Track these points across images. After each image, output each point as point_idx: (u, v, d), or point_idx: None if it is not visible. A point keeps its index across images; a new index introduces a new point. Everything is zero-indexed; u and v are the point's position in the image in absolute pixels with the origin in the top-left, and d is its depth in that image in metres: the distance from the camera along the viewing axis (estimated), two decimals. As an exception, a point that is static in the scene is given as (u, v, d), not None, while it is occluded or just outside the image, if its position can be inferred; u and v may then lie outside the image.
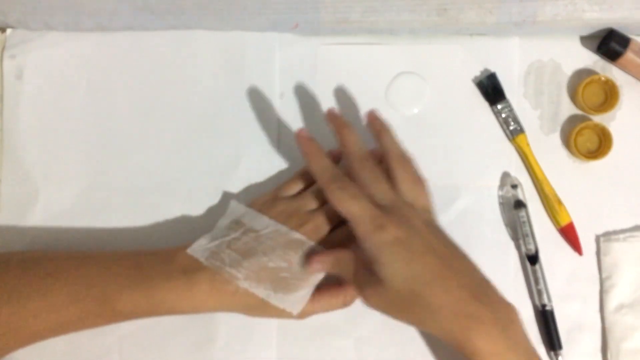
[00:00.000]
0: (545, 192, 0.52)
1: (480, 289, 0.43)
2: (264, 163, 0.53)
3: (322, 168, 0.46)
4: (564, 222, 0.51)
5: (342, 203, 0.44)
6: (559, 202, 0.52)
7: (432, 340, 0.51)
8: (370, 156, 0.46)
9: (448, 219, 0.52)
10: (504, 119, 0.53)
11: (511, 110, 0.53)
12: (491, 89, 0.53)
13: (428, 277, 0.41)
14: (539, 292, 0.51)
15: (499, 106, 0.53)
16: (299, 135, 0.48)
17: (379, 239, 0.42)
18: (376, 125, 0.49)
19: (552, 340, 0.50)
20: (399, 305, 0.43)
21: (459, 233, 0.52)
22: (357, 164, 0.46)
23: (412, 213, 0.44)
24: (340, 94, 0.54)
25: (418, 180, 0.47)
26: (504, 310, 0.43)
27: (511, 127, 0.52)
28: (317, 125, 0.53)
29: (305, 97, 0.54)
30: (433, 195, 0.52)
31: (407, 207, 0.45)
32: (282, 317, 0.47)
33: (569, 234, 0.52)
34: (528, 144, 0.52)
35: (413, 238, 0.42)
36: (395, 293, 0.42)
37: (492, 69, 0.53)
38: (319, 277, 0.47)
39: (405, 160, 0.47)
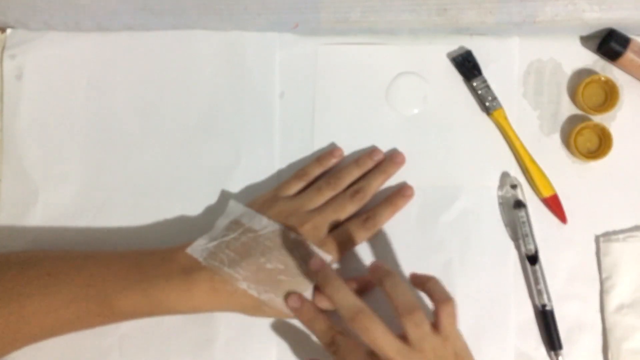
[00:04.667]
0: (526, 164, 0.52)
1: None
2: (264, 163, 0.53)
3: (347, 302, 0.43)
4: (547, 194, 0.52)
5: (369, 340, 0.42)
6: (542, 174, 0.52)
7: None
8: (421, 315, 0.43)
9: (448, 219, 0.52)
10: (480, 94, 0.53)
11: (487, 86, 0.53)
12: (467, 65, 0.53)
13: None
14: (539, 292, 0.51)
15: (475, 82, 0.53)
16: (313, 265, 0.46)
17: None
18: (378, 274, 0.45)
19: (552, 340, 0.50)
20: None
21: (459, 233, 0.52)
22: (408, 324, 0.42)
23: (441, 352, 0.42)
24: (340, 94, 0.54)
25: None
26: None
27: (487, 103, 0.53)
28: (317, 125, 0.53)
29: (305, 97, 0.54)
30: (433, 196, 0.53)
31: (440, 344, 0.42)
32: (281, 317, 0.47)
33: (552, 205, 0.52)
34: (506, 118, 0.52)
35: None
36: None
37: (492, 69, 0.53)
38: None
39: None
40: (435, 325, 0.43)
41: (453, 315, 0.43)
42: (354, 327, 0.41)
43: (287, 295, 0.46)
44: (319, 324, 0.45)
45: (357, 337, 0.42)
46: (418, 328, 0.42)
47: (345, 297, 0.43)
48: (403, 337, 0.42)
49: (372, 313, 0.42)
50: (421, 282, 0.45)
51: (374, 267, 0.45)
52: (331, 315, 0.46)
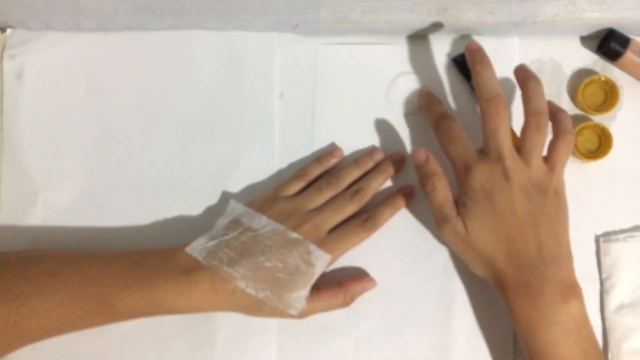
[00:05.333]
0: None
1: (540, 262, 0.43)
2: (264, 163, 0.53)
3: (489, 85, 0.46)
4: None
5: (443, 145, 0.47)
6: None
7: (432, 339, 0.51)
8: (503, 103, 0.45)
9: (448, 219, 0.52)
10: None
11: None
12: (467, 65, 0.53)
13: (496, 236, 0.44)
14: (539, 292, 0.51)
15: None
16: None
17: (469, 181, 0.45)
18: (522, 76, 0.48)
19: (552, 340, 0.50)
20: (464, 247, 0.45)
21: (459, 233, 0.52)
22: (488, 107, 0.46)
23: (522, 173, 0.44)
24: (340, 93, 0.54)
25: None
26: (555, 288, 0.43)
27: None
28: (317, 125, 0.53)
29: (305, 97, 0.54)
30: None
31: (525, 166, 0.45)
32: (281, 316, 0.47)
33: None
34: None
35: (500, 192, 0.43)
36: (466, 236, 0.44)
37: (492, 69, 0.53)
38: (316, 276, 0.47)
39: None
40: (549, 152, 0.45)
41: (568, 149, 0.45)
42: (486, 108, 0.45)
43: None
44: (437, 107, 0.50)
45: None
46: (537, 132, 0.44)
47: (490, 80, 0.46)
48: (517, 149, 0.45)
49: (506, 104, 0.45)
50: (552, 109, 0.47)
51: (522, 68, 0.47)
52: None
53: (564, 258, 0.45)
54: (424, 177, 0.48)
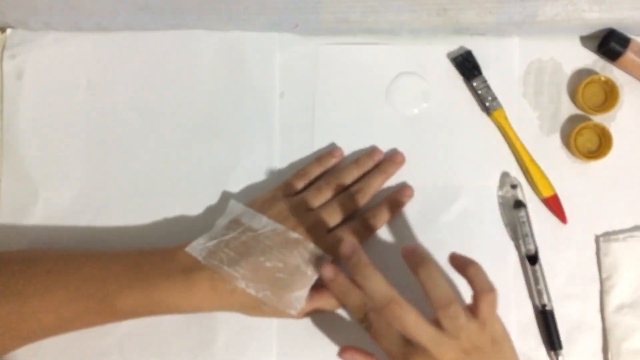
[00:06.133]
0: (526, 164, 0.52)
1: None
2: (264, 163, 0.53)
3: (379, 291, 0.42)
4: (547, 194, 0.52)
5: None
6: (542, 174, 0.52)
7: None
8: (457, 309, 0.42)
9: (448, 219, 0.52)
10: (480, 94, 0.53)
11: (487, 86, 0.53)
12: (467, 65, 0.53)
13: None
14: (539, 292, 0.51)
15: (475, 82, 0.53)
16: (345, 249, 0.44)
17: None
18: (414, 260, 0.44)
19: (552, 340, 0.50)
20: None
21: (459, 233, 0.52)
22: (443, 317, 0.41)
23: (453, 351, 0.41)
24: (340, 94, 0.54)
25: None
26: None
27: (487, 103, 0.53)
28: (317, 125, 0.53)
29: (305, 97, 0.54)
30: (433, 196, 0.53)
31: (454, 341, 0.41)
32: (281, 316, 0.47)
33: (552, 205, 0.52)
34: (506, 118, 0.52)
35: None
36: None
37: (492, 69, 0.53)
38: (315, 276, 0.47)
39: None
40: (473, 311, 0.42)
41: (493, 305, 0.43)
42: (386, 315, 0.41)
43: (322, 266, 0.46)
44: (353, 298, 0.44)
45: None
46: (454, 321, 0.41)
47: (376, 285, 0.42)
48: (437, 322, 0.41)
49: (403, 301, 0.41)
50: (462, 265, 0.44)
51: (409, 251, 0.44)
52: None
53: None
54: None
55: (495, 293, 0.43)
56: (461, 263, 0.44)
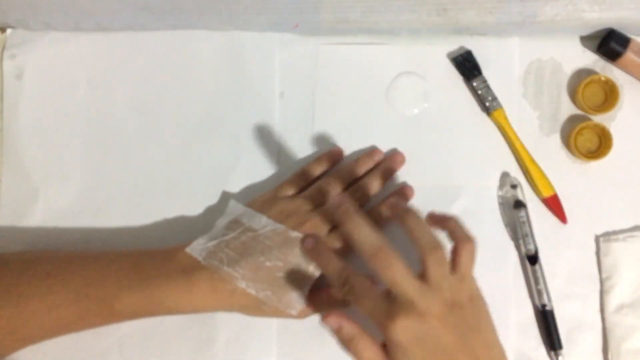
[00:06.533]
0: (526, 164, 0.52)
1: None
2: (264, 163, 0.53)
3: (368, 239, 0.42)
4: (547, 194, 0.52)
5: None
6: (542, 174, 0.52)
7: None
8: (442, 253, 0.42)
9: (448, 219, 0.52)
10: (480, 94, 0.53)
11: (487, 86, 0.53)
12: (467, 65, 0.53)
13: None
14: (539, 292, 0.51)
15: (475, 82, 0.53)
16: (334, 200, 0.44)
17: (390, 336, 0.40)
18: (397, 211, 0.44)
19: (552, 340, 0.50)
20: None
21: (459, 233, 0.52)
22: (429, 260, 0.41)
23: (435, 303, 0.41)
24: (340, 94, 0.54)
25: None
26: None
27: (487, 103, 0.53)
28: (317, 125, 0.53)
29: (305, 97, 0.54)
30: (433, 196, 0.53)
31: (435, 293, 0.41)
32: (281, 316, 0.47)
33: (552, 205, 0.52)
34: (506, 118, 0.52)
35: (422, 339, 0.40)
36: None
37: (492, 69, 0.53)
38: (315, 277, 0.47)
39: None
40: (454, 264, 0.42)
41: (473, 256, 0.43)
42: (374, 264, 0.40)
43: (302, 239, 0.45)
44: (333, 263, 0.44)
45: (374, 275, 0.41)
46: (439, 266, 0.41)
47: (366, 233, 0.41)
48: (420, 276, 0.41)
49: (392, 250, 0.41)
50: (441, 221, 0.45)
51: (392, 205, 0.44)
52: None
53: (499, 357, 0.43)
54: (343, 343, 0.44)
55: (474, 243, 0.43)
56: (440, 218, 0.45)
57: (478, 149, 0.53)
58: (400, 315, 0.40)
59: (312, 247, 0.44)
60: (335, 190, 0.50)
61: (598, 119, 0.53)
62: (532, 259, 0.51)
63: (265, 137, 0.54)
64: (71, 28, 0.54)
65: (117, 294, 0.45)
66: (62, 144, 0.54)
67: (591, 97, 0.53)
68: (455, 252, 0.43)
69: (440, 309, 0.41)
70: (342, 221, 0.42)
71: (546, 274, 0.51)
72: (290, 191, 0.50)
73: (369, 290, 0.42)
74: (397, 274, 0.40)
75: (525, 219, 0.51)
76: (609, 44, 0.51)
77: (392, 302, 0.41)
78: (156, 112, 0.54)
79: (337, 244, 0.48)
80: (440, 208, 0.52)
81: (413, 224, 0.42)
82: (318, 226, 0.48)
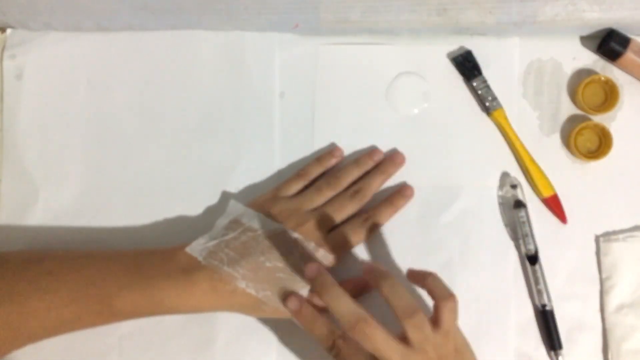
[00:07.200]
0: (526, 164, 0.52)
1: None
2: (264, 163, 0.53)
3: (346, 311, 0.42)
4: (547, 194, 0.52)
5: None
6: (542, 174, 0.52)
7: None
8: (422, 317, 0.42)
9: (448, 220, 0.52)
10: (480, 94, 0.53)
11: (487, 86, 0.53)
12: (467, 65, 0.53)
13: None
14: (539, 292, 0.51)
15: (475, 82, 0.53)
16: (309, 271, 0.44)
17: None
18: (374, 276, 0.44)
19: (552, 340, 0.50)
20: None
21: (459, 233, 0.52)
22: (408, 326, 0.41)
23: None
24: (340, 94, 0.54)
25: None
26: None
27: (487, 103, 0.53)
28: (317, 125, 0.53)
29: (305, 97, 0.54)
30: (433, 196, 0.53)
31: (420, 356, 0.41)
32: (281, 316, 0.47)
33: (552, 205, 0.52)
34: (506, 118, 0.52)
35: None
36: None
37: (492, 69, 0.53)
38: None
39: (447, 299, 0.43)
40: (435, 322, 0.43)
41: (454, 312, 0.43)
42: (354, 335, 0.41)
43: (286, 296, 0.46)
44: (319, 327, 0.45)
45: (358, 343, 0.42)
46: (419, 330, 0.41)
47: (343, 305, 0.42)
48: (403, 338, 0.42)
49: (371, 320, 0.41)
50: (420, 278, 0.45)
51: (369, 269, 0.45)
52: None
53: None
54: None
55: (455, 299, 0.43)
56: (419, 276, 0.45)
57: (478, 149, 0.53)
58: None
59: (296, 309, 0.45)
60: (335, 191, 0.50)
61: (598, 119, 0.53)
62: (532, 259, 0.51)
63: (265, 137, 0.54)
64: (71, 28, 0.54)
65: (117, 294, 0.45)
66: (62, 144, 0.54)
67: (591, 97, 0.53)
68: (436, 309, 0.43)
69: None
70: (320, 293, 0.43)
71: (546, 274, 0.51)
72: (290, 191, 0.50)
73: (356, 353, 0.42)
74: (379, 343, 0.41)
75: (525, 219, 0.51)
76: (609, 44, 0.51)
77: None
78: (156, 112, 0.54)
79: (338, 244, 0.48)
80: (440, 208, 0.52)
81: (388, 290, 0.42)
82: (318, 226, 0.48)
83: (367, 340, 0.41)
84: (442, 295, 0.43)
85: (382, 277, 0.43)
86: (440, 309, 0.43)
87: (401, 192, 0.52)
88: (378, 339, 0.41)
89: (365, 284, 0.50)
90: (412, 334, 0.41)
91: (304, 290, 0.46)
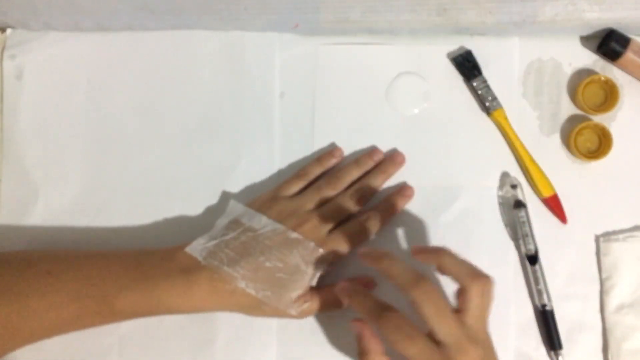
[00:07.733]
0: (526, 164, 0.52)
1: None
2: (264, 163, 0.53)
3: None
4: (547, 194, 0.52)
5: (397, 344, 0.40)
6: (542, 174, 0.52)
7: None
8: (429, 284, 0.41)
9: (448, 219, 0.52)
10: (480, 94, 0.53)
11: (487, 86, 0.53)
12: (467, 65, 0.53)
13: None
14: (539, 292, 0.51)
15: (475, 82, 0.53)
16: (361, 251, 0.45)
17: None
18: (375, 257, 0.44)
19: (552, 340, 0.50)
20: None
21: (459, 233, 0.52)
22: (417, 295, 0.41)
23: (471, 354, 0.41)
24: (340, 94, 0.54)
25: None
26: None
27: (487, 103, 0.53)
28: (317, 125, 0.53)
29: (305, 97, 0.54)
30: (433, 196, 0.53)
31: (470, 344, 0.41)
32: (281, 316, 0.47)
33: (552, 205, 0.52)
34: (506, 118, 0.52)
35: None
36: None
37: (492, 69, 0.53)
38: (316, 277, 0.47)
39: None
40: (461, 310, 0.41)
41: (488, 296, 0.42)
42: (415, 294, 0.40)
43: (353, 325, 0.46)
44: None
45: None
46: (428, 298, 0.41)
47: (401, 266, 0.42)
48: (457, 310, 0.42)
49: (431, 281, 0.41)
50: (431, 255, 0.44)
51: (365, 252, 0.45)
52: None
53: None
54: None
55: (489, 280, 0.43)
56: (429, 254, 0.45)
57: (478, 149, 0.53)
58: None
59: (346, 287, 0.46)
60: (335, 191, 0.50)
61: (598, 119, 0.53)
62: (532, 259, 0.51)
63: (265, 137, 0.54)
64: (71, 28, 0.54)
65: (116, 293, 0.45)
66: (62, 144, 0.54)
67: (591, 97, 0.53)
68: (462, 293, 0.42)
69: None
70: (378, 263, 0.43)
71: (546, 274, 0.51)
72: (290, 191, 0.50)
73: (415, 333, 0.41)
74: (437, 299, 0.40)
75: (525, 219, 0.51)
76: (609, 44, 0.51)
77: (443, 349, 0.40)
78: (156, 112, 0.54)
79: (338, 244, 0.48)
80: (440, 208, 0.52)
81: (387, 265, 0.42)
82: (318, 226, 0.48)
83: (427, 298, 0.40)
84: (469, 273, 0.42)
85: (381, 256, 0.43)
86: (469, 291, 0.41)
87: (401, 192, 0.52)
88: (436, 296, 0.40)
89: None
90: (473, 304, 0.41)
91: (304, 289, 0.46)
